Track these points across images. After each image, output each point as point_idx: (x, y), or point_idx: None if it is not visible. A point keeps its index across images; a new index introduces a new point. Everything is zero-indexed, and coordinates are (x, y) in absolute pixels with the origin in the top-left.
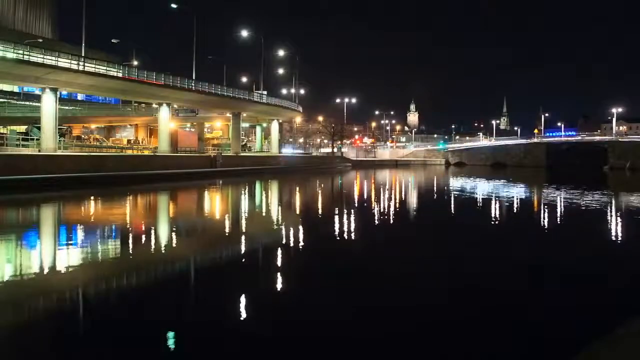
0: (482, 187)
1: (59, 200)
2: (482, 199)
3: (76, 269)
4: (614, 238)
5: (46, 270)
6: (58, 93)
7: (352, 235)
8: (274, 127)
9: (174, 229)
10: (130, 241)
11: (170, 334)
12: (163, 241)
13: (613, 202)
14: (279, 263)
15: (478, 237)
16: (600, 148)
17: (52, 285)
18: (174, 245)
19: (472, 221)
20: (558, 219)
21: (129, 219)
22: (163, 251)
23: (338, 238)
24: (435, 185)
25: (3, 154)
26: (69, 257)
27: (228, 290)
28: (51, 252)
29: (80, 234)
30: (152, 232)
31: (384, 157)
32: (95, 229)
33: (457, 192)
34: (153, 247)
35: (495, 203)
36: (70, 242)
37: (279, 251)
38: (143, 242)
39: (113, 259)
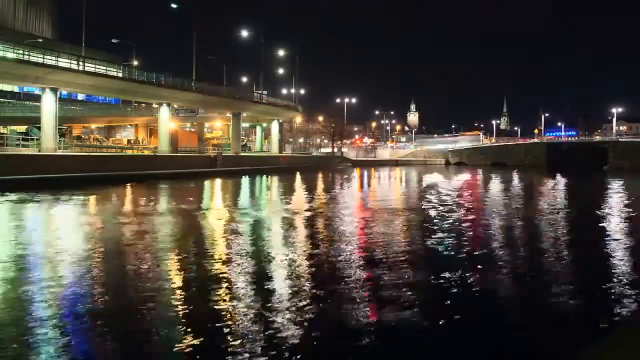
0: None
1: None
2: None
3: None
4: None
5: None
6: (58, 93)
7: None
8: (274, 127)
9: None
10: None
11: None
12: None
13: None
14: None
15: None
16: (600, 148)
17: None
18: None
19: None
20: None
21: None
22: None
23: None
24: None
25: (3, 154)
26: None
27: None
28: None
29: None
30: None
31: (384, 157)
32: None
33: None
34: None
35: None
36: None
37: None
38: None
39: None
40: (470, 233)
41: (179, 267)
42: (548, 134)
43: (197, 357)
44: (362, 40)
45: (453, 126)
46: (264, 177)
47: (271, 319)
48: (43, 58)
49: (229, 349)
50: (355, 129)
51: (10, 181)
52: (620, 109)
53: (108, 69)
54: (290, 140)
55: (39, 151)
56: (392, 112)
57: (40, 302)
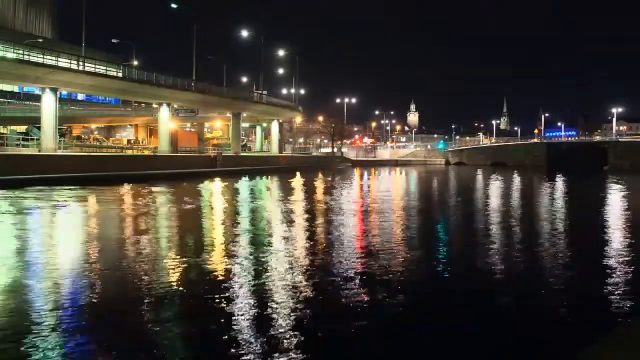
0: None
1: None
2: None
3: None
4: None
5: None
6: (58, 93)
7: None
8: (274, 127)
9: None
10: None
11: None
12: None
13: None
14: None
15: None
16: (600, 148)
17: None
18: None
19: None
20: None
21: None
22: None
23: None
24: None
25: (3, 154)
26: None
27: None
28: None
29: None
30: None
31: (384, 157)
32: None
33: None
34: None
35: None
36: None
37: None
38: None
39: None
40: None
41: None
42: (548, 134)
43: None
44: (362, 40)
45: (453, 126)
46: (264, 177)
47: None
48: (43, 58)
49: None
50: (355, 129)
51: (10, 181)
52: (620, 109)
53: (108, 69)
54: (290, 140)
55: (39, 151)
56: (392, 112)
57: None
